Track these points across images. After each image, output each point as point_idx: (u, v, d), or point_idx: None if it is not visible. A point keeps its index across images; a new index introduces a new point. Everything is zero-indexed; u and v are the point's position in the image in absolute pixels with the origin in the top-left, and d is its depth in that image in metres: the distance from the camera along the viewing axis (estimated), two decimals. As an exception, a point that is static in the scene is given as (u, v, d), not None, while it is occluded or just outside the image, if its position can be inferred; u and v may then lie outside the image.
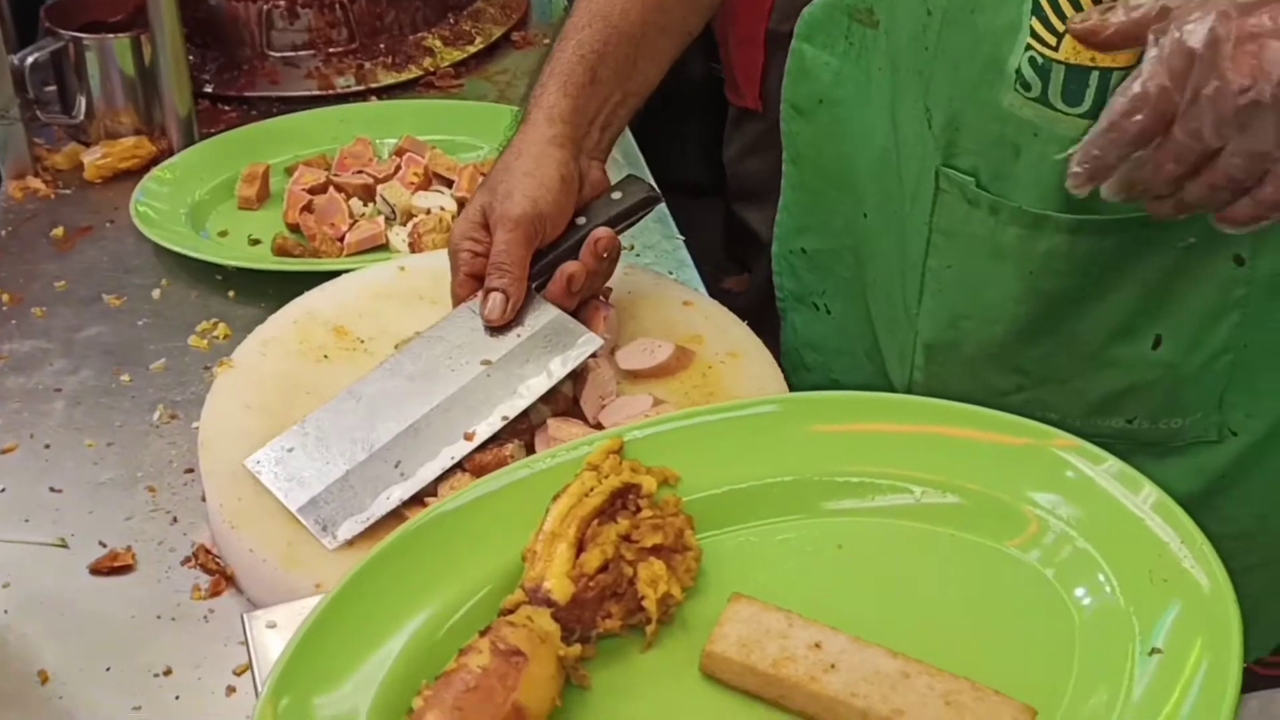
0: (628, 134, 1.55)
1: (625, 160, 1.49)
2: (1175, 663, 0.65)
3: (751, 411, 0.82)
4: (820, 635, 0.68)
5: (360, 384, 1.04)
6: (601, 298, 1.17)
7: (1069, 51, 0.90)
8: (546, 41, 1.76)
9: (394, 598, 0.72)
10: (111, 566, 1.01)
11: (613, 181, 1.13)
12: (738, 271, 2.56)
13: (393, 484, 0.96)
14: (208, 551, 1.02)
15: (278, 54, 1.65)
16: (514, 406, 1.00)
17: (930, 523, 0.76)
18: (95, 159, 1.43)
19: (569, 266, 1.07)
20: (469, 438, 0.98)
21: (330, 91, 1.62)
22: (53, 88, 1.50)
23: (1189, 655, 0.65)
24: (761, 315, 1.24)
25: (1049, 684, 0.67)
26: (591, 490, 0.74)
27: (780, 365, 1.24)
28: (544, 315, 1.07)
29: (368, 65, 1.65)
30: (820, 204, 1.21)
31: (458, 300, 1.08)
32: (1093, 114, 0.88)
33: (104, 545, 1.02)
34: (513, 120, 1.14)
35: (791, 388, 1.13)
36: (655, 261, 1.35)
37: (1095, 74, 0.90)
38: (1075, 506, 0.74)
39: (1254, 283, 0.96)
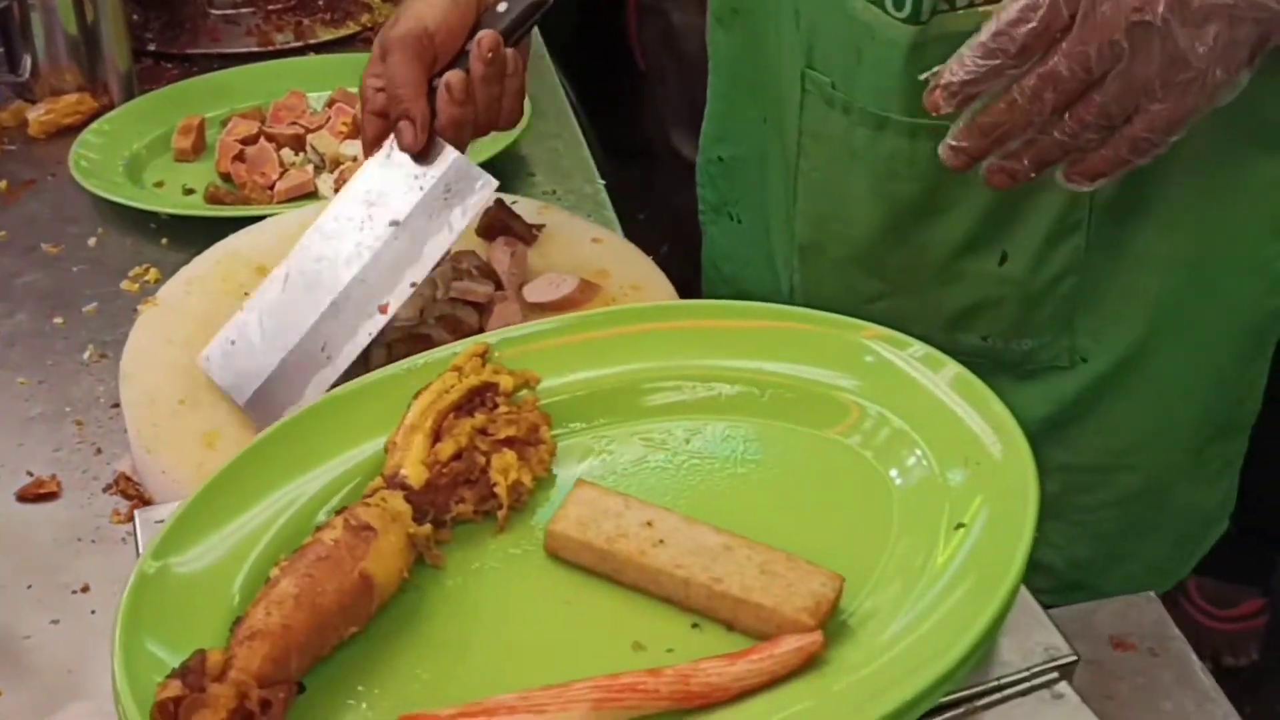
0: (566, 108, 1.60)
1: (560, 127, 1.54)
2: (970, 531, 0.70)
3: (602, 317, 0.88)
4: (653, 515, 0.73)
5: (290, 260, 1.06)
6: (515, 235, 1.22)
7: None
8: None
9: (267, 486, 0.77)
10: (37, 493, 1.06)
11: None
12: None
13: (320, 369, 1.00)
14: (128, 478, 1.07)
15: (219, 12, 1.70)
16: (420, 270, 1.02)
17: (766, 416, 0.81)
18: (39, 115, 1.48)
19: (447, 76, 1.03)
20: (383, 310, 1.01)
21: (270, 48, 1.66)
22: (0, 49, 1.55)
23: (966, 514, 0.71)
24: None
25: (865, 557, 0.72)
26: (451, 388, 0.79)
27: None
28: (444, 160, 1.05)
29: (306, 22, 1.69)
30: (733, 111, 1.25)
31: (368, 144, 1.08)
32: (911, 18, 0.94)
33: (30, 474, 1.07)
34: None
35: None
36: (575, 205, 1.40)
37: None
38: (889, 391, 0.79)
39: (1094, 207, 1.00)
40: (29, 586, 0.97)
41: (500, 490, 0.76)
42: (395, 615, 0.72)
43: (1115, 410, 1.09)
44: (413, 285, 1.02)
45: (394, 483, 0.74)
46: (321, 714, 0.67)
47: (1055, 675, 0.71)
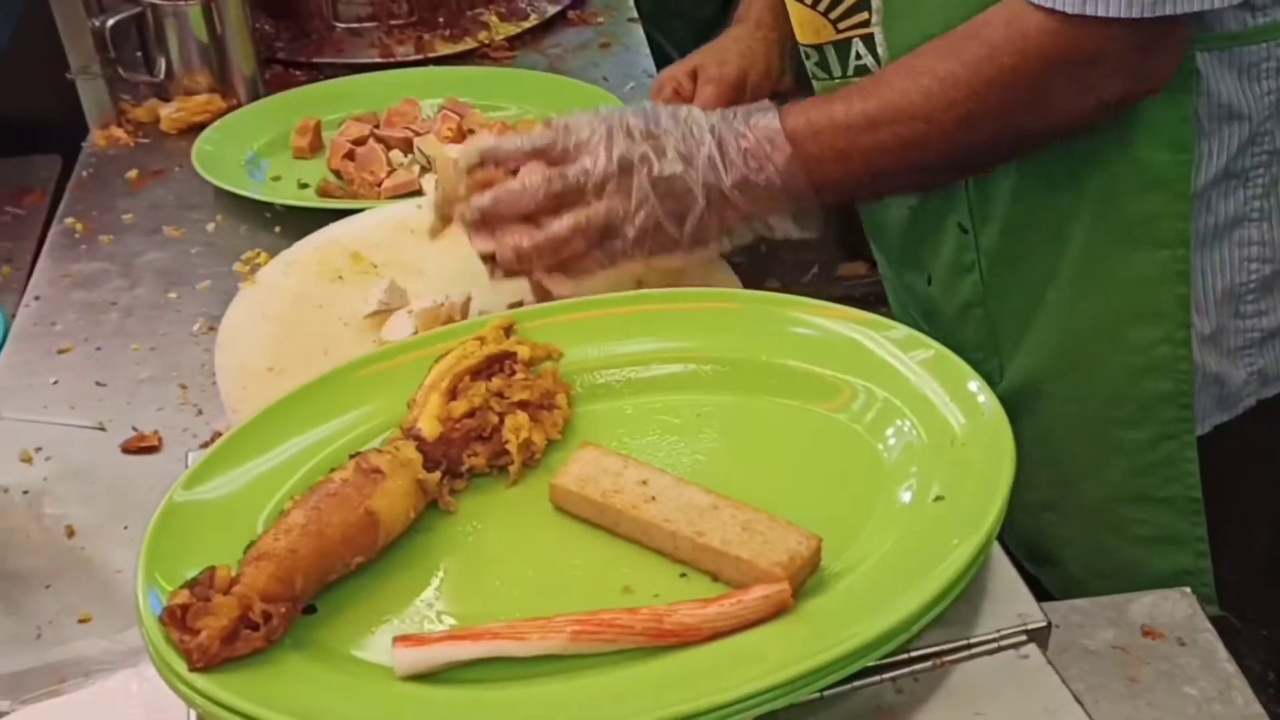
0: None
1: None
2: (946, 501, 0.76)
3: (621, 300, 0.95)
4: (648, 474, 0.79)
5: None
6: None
7: None
8: (600, 21, 1.89)
9: (299, 428, 0.85)
10: (139, 446, 1.16)
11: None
12: (851, 259, 2.64)
13: None
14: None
15: (344, 25, 1.82)
16: None
17: (766, 393, 0.87)
18: (170, 112, 1.61)
19: None
20: None
21: (391, 59, 1.77)
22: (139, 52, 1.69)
23: (945, 486, 0.76)
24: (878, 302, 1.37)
25: (850, 521, 0.78)
26: (471, 354, 0.86)
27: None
28: None
29: (426, 36, 1.79)
30: None
31: None
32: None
33: (136, 429, 1.17)
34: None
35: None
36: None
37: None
38: (878, 373, 0.85)
39: (980, 252, 1.10)
40: (125, 527, 1.06)
41: (512, 447, 0.82)
42: (407, 551, 0.79)
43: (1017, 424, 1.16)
44: None
45: (409, 434, 0.82)
46: (332, 632, 0.74)
47: (1024, 639, 0.75)
